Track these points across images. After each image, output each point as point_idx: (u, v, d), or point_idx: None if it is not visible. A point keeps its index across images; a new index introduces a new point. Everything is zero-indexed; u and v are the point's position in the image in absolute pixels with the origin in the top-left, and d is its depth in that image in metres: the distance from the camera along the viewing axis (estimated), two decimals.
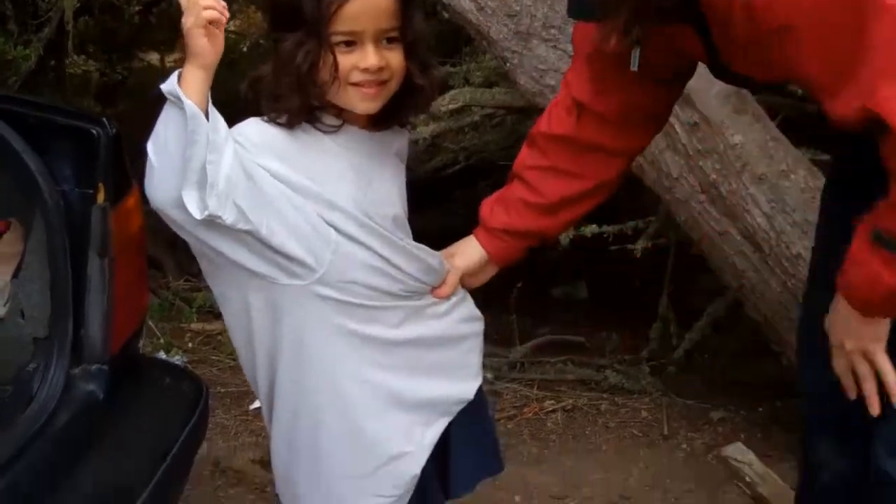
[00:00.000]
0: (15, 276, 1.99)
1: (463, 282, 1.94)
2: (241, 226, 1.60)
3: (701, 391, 3.66)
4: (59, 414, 1.86)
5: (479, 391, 2.01)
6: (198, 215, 1.57)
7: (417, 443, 1.88)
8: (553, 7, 2.97)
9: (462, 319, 1.94)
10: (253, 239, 1.63)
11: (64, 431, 1.85)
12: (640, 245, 3.41)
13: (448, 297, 1.89)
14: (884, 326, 1.65)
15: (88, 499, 1.80)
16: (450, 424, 1.95)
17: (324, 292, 1.71)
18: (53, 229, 1.85)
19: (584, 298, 4.82)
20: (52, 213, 1.84)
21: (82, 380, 1.92)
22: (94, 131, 1.86)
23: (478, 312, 1.98)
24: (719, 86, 2.71)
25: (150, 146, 1.59)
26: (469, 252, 1.95)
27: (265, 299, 1.73)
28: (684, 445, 3.29)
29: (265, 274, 1.68)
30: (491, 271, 1.99)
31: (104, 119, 1.90)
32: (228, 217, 1.58)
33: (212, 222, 1.58)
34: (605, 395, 3.60)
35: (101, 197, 1.87)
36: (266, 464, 3.10)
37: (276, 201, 1.64)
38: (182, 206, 1.57)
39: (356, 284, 1.73)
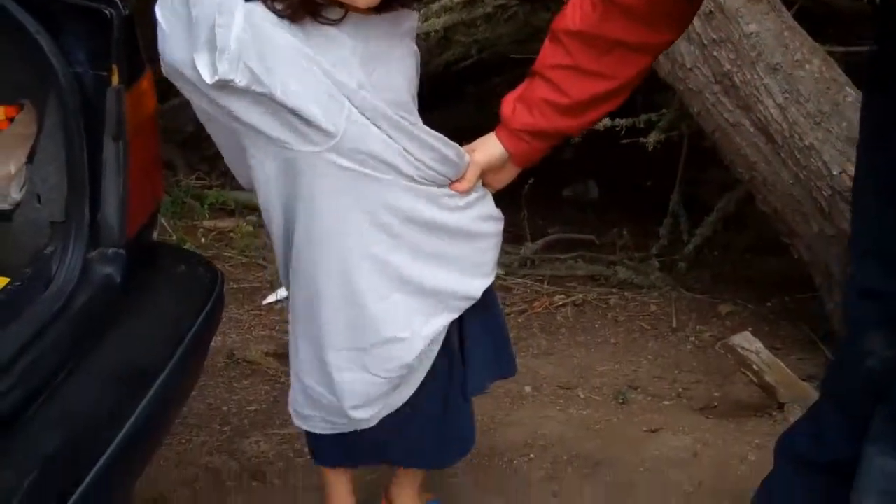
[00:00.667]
0: (30, 160, 1.99)
1: (485, 181, 1.94)
2: (256, 88, 1.60)
3: (710, 286, 3.69)
4: (77, 296, 1.87)
5: (492, 294, 2.02)
6: (209, 79, 1.57)
7: (415, 332, 1.89)
8: None
9: (481, 217, 1.94)
10: (269, 101, 1.63)
11: (82, 313, 1.86)
12: (652, 138, 3.39)
13: (467, 192, 1.89)
14: None
15: (106, 379, 1.81)
16: (463, 328, 1.97)
17: (339, 161, 1.72)
18: (68, 112, 1.84)
19: (595, 198, 4.83)
20: (66, 96, 1.82)
21: (99, 263, 1.92)
22: (107, 12, 1.84)
23: (498, 212, 1.98)
24: None
25: (157, 9, 1.59)
26: (490, 149, 1.93)
27: (282, 165, 1.74)
28: (692, 338, 3.32)
29: (281, 138, 1.69)
30: (512, 171, 1.97)
31: (117, 0, 1.87)
32: (241, 80, 1.58)
33: (225, 85, 1.58)
34: (614, 290, 3.63)
35: (115, 79, 1.85)
36: (279, 356, 3.15)
37: (292, 64, 1.64)
38: (195, 67, 1.58)
39: (371, 158, 1.73)
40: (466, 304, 1.95)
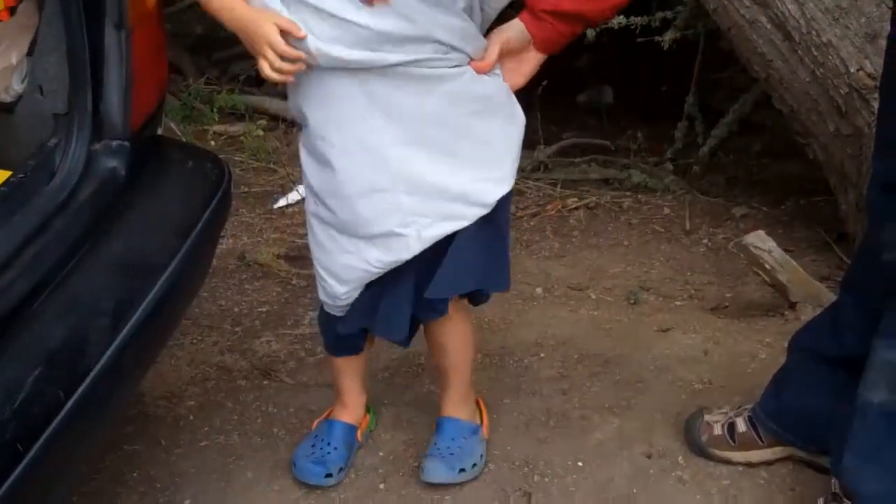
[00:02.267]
0: (31, 52, 1.96)
1: (507, 74, 1.91)
2: None
3: (724, 189, 3.66)
4: (82, 188, 1.86)
5: (504, 208, 1.98)
6: None
7: (415, 234, 1.89)
8: None
9: (504, 114, 1.91)
10: None
11: (86, 206, 1.85)
12: (668, 37, 3.33)
13: (488, 70, 1.87)
14: None
15: (112, 272, 1.81)
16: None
17: None
18: (68, 0, 1.80)
19: (609, 104, 4.78)
20: None
21: (104, 155, 1.90)
22: None
23: (520, 114, 1.95)
24: None
25: None
26: (513, 27, 1.91)
27: None
28: (706, 240, 3.30)
29: None
30: (534, 60, 1.94)
31: None
32: None
33: None
34: (628, 194, 3.60)
35: None
36: (291, 258, 3.16)
37: None
38: None
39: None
40: (478, 212, 1.92)
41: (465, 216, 1.91)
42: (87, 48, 1.84)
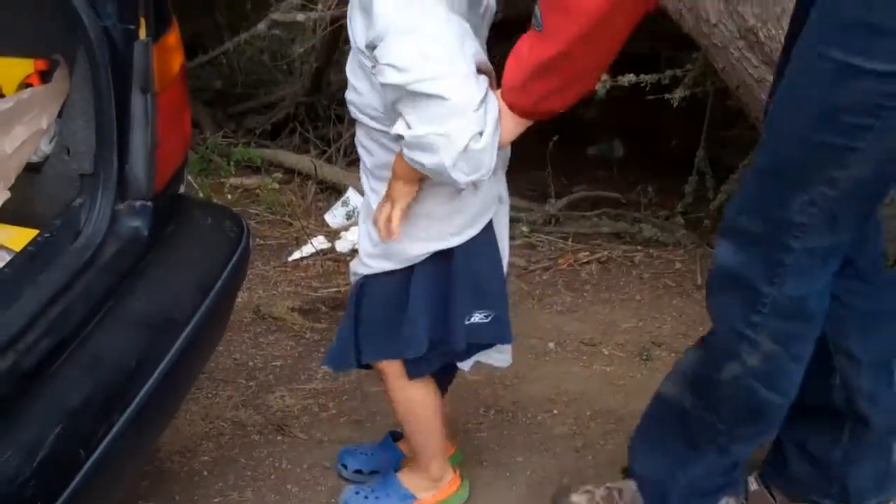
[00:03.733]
0: (59, 114, 2.01)
1: None
2: None
3: None
4: (106, 248, 1.90)
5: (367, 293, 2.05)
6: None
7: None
8: None
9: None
10: None
11: (110, 265, 1.89)
12: (677, 94, 3.37)
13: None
14: None
15: (134, 330, 1.85)
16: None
17: None
18: (97, 65, 1.85)
19: (620, 157, 4.81)
20: (95, 49, 1.84)
21: (127, 215, 1.95)
22: None
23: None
24: None
25: None
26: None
27: None
28: None
29: None
30: (515, 121, 1.79)
31: None
32: None
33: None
34: (639, 248, 3.63)
35: (142, 32, 1.87)
36: (305, 311, 3.19)
37: None
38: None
39: None
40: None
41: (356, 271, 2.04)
42: (114, 111, 1.89)
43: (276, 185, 4.07)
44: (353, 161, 4.36)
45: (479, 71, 1.72)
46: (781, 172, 1.73)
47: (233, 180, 4.19)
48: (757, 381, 1.89)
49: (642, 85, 3.36)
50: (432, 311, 1.98)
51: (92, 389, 1.71)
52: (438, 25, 1.67)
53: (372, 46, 1.71)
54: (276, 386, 2.81)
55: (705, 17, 2.90)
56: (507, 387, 2.76)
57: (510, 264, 3.43)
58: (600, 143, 4.95)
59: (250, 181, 4.20)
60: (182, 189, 2.24)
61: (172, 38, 1.98)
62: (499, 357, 2.14)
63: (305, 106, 4.64)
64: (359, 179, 2.04)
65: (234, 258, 2.09)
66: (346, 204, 3.90)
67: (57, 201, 2.00)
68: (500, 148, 1.77)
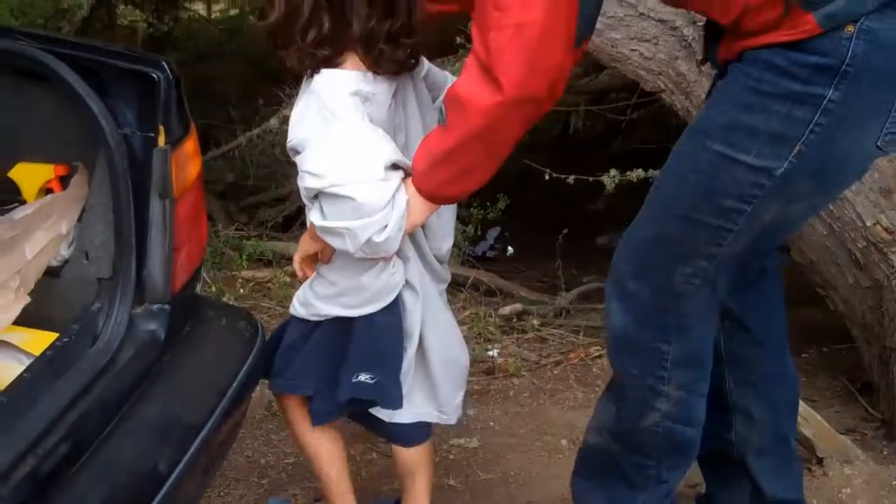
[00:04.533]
0: (79, 219, 2.04)
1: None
2: None
3: None
4: (123, 351, 1.92)
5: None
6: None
7: None
8: None
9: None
10: None
11: (127, 368, 1.90)
12: None
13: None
14: None
15: (150, 432, 1.85)
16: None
17: None
18: (117, 172, 1.89)
19: None
20: (115, 156, 1.88)
21: (144, 319, 1.97)
22: (154, 75, 1.90)
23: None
24: None
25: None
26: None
27: None
28: None
29: None
30: (423, 205, 1.97)
31: (164, 63, 1.93)
32: None
33: None
34: None
35: (161, 140, 1.91)
36: None
37: None
38: None
39: None
40: None
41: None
42: (133, 217, 1.92)
43: (288, 279, 4.10)
44: None
45: (396, 167, 1.93)
46: (665, 245, 1.95)
47: (245, 273, 4.22)
48: (674, 422, 2.10)
49: (651, 180, 3.39)
50: (326, 361, 2.17)
51: (109, 494, 1.71)
52: (352, 136, 1.90)
53: (294, 151, 1.95)
54: (288, 484, 2.80)
55: None
56: (521, 485, 2.75)
57: (522, 359, 3.46)
58: (609, 232, 4.99)
59: (262, 274, 4.23)
60: (198, 288, 2.26)
61: (191, 144, 2.01)
62: (385, 413, 2.23)
63: None
64: None
65: (250, 360, 2.10)
66: None
67: (75, 305, 2.02)
68: (410, 232, 2.00)
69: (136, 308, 1.96)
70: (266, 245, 4.38)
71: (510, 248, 4.99)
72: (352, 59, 1.92)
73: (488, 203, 4.38)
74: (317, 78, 1.92)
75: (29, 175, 2.10)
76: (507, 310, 3.87)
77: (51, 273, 2.03)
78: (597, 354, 3.54)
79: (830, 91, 1.72)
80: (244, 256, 4.28)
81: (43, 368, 1.83)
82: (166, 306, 1.99)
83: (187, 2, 7.15)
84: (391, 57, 1.91)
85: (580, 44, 1.75)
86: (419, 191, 1.93)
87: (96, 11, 5.00)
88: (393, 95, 1.99)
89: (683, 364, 2.04)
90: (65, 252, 2.05)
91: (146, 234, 1.94)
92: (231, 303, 3.93)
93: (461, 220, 4.09)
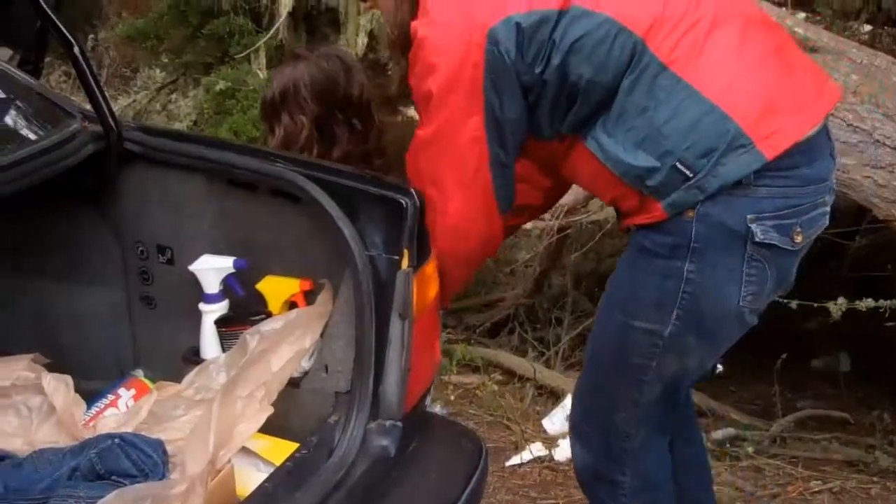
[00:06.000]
0: (321, 333, 2.12)
1: None
2: None
3: None
4: (356, 466, 1.96)
5: None
6: None
7: None
8: None
9: None
10: None
11: (359, 483, 1.94)
12: None
13: None
14: None
15: None
16: None
17: None
18: (361, 291, 1.96)
19: (846, 371, 4.64)
20: (361, 276, 1.95)
21: (377, 434, 2.01)
22: (402, 201, 1.98)
23: None
24: None
25: None
26: None
27: None
28: None
29: None
30: None
31: (412, 190, 2.01)
32: None
33: None
34: (875, 479, 3.44)
35: (405, 262, 1.97)
36: None
37: None
38: None
39: None
40: None
41: None
42: (374, 335, 1.99)
43: (496, 387, 4.12)
44: (571, 365, 4.38)
45: None
46: (601, 393, 2.27)
47: (454, 378, 4.27)
48: None
49: (881, 310, 3.27)
50: None
51: None
52: None
53: None
54: None
55: None
56: None
57: (737, 488, 3.35)
58: (825, 355, 4.80)
59: (469, 380, 4.27)
60: (427, 405, 2.30)
61: (430, 267, 2.07)
62: None
63: (525, 307, 4.72)
64: None
65: (473, 480, 2.11)
66: (564, 409, 3.90)
67: (312, 416, 2.09)
68: None
69: (370, 423, 2.01)
70: (475, 351, 4.42)
71: (719, 366, 4.86)
72: None
73: None
74: None
75: (276, 288, 2.20)
76: (719, 434, 3.76)
77: (291, 384, 2.11)
78: (817, 489, 3.38)
79: (687, 264, 2.03)
80: (454, 362, 4.33)
81: (282, 480, 1.89)
82: (399, 423, 2.03)
83: (404, 106, 7.38)
84: None
85: (505, 211, 2.15)
86: None
87: None
88: None
89: (641, 489, 2.29)
90: (306, 364, 2.13)
91: (384, 353, 2.00)
92: (440, 406, 3.98)
93: None
